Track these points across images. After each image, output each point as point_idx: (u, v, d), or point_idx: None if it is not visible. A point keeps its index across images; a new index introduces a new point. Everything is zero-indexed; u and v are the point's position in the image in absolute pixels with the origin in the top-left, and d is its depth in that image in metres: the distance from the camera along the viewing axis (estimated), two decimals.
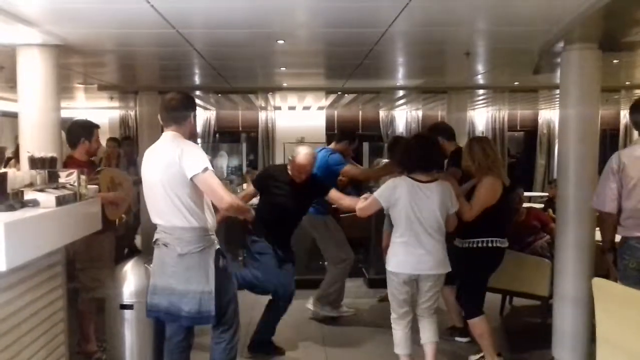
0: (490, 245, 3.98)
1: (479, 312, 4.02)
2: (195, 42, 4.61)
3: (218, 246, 3.15)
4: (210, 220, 3.15)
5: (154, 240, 3.18)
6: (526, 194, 9.26)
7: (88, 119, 4.44)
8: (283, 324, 4.49)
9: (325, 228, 5.13)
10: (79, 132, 4.23)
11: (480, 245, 3.96)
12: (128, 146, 8.01)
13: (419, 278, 3.65)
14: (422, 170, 3.65)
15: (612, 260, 3.54)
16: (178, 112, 3.13)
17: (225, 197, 3.03)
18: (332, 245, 5.13)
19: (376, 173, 5.74)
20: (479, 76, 6.85)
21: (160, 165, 3.05)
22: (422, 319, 3.79)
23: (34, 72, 4.13)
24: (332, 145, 5.28)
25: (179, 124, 3.13)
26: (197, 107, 10.86)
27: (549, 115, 12.14)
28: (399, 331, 3.74)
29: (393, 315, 3.78)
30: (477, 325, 4.01)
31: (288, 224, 4.35)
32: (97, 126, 4.38)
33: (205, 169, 2.96)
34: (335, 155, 5.08)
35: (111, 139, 7.89)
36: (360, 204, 3.89)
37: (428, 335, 3.77)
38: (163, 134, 3.18)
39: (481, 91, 8.52)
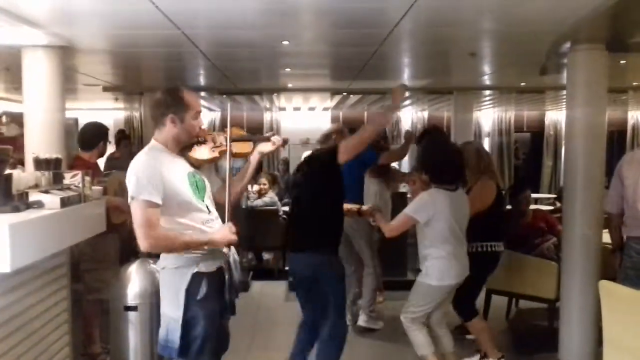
0: (488, 249, 3.97)
1: (476, 313, 4.04)
2: (200, 43, 4.60)
3: (199, 269, 2.58)
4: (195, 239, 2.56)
5: None
6: (533, 195, 9.21)
7: (101, 122, 4.47)
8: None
9: (365, 230, 4.97)
10: (96, 136, 4.28)
11: (478, 250, 3.94)
12: (125, 147, 7.14)
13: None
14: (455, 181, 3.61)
15: (618, 261, 3.54)
16: (154, 111, 2.64)
17: (142, 237, 2.44)
18: (369, 248, 5.06)
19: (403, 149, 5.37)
20: (486, 77, 6.83)
21: None
22: (440, 327, 3.73)
23: (38, 73, 4.14)
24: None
25: (157, 127, 2.63)
26: (202, 109, 10.94)
27: (556, 116, 12.09)
28: (420, 331, 3.61)
29: (412, 317, 3.62)
30: (476, 323, 4.01)
31: None
32: (108, 129, 4.47)
33: (132, 197, 2.45)
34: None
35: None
36: (389, 226, 3.66)
37: (450, 344, 3.74)
38: None
39: (488, 92, 8.49)
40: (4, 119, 4.85)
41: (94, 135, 4.27)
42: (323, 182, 3.50)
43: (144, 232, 2.43)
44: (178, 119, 2.58)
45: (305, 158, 3.78)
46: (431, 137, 4.79)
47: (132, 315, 3.38)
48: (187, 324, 2.56)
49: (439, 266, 3.52)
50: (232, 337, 4.03)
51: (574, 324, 4.11)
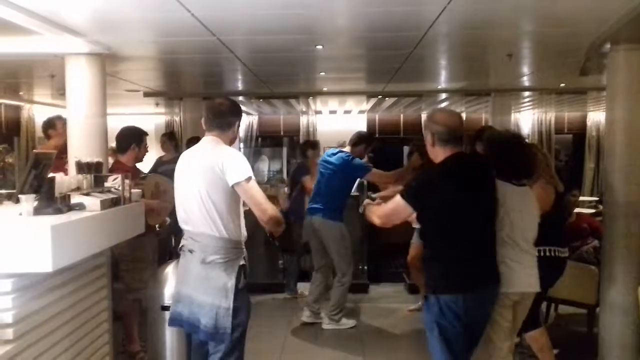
0: (551, 254, 3.73)
1: (539, 324, 3.81)
2: (236, 48, 4.68)
3: (244, 262, 3.01)
4: (241, 234, 3.02)
5: (180, 246, 3.10)
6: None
7: (137, 126, 4.58)
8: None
9: (340, 237, 5.06)
10: (129, 138, 4.37)
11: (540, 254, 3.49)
12: (173, 148, 6.78)
13: None
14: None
15: None
16: (224, 118, 3.04)
17: (268, 210, 2.91)
18: (343, 259, 5.08)
19: (406, 171, 5.22)
20: (524, 78, 6.71)
21: (200, 170, 2.95)
22: None
23: (81, 80, 4.27)
24: (348, 149, 5.16)
25: (222, 130, 3.04)
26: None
27: (598, 117, 11.76)
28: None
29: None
30: (538, 336, 3.80)
31: None
32: (146, 133, 4.54)
33: (249, 178, 2.88)
34: (358, 160, 5.03)
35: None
36: None
37: None
38: (203, 138, 3.09)
39: (526, 93, 8.33)
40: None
41: (127, 138, 4.37)
42: None
43: (267, 203, 2.93)
44: (238, 126, 3.12)
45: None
46: (491, 131, 4.35)
47: (168, 315, 3.45)
48: (233, 313, 2.89)
49: None
50: (267, 337, 4.08)
51: (614, 331, 4.01)
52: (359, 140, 5.19)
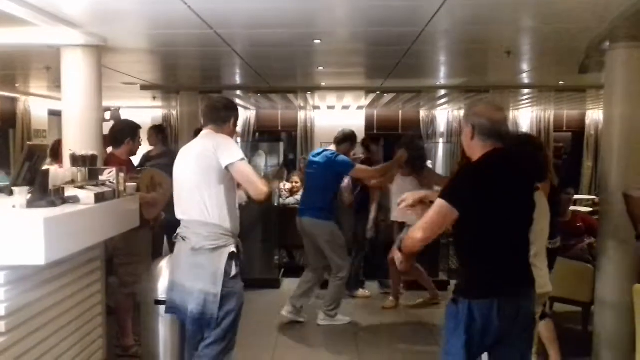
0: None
1: (543, 315, 3.80)
2: (233, 42, 4.65)
3: (235, 250, 3.05)
4: (233, 222, 3.08)
5: (174, 235, 3.18)
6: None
7: (132, 120, 4.56)
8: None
9: (332, 236, 5.07)
10: (125, 131, 4.37)
11: None
12: (161, 142, 6.09)
13: None
14: None
15: None
16: (218, 113, 3.17)
17: (262, 186, 3.00)
18: (338, 255, 5.07)
19: (391, 166, 5.21)
20: (523, 75, 6.70)
21: (193, 157, 3.07)
22: None
23: (77, 72, 4.23)
24: (334, 148, 5.19)
25: (217, 125, 3.16)
26: (238, 107, 11.06)
27: (597, 115, 11.76)
28: None
29: None
30: (544, 327, 3.88)
31: None
32: (139, 127, 4.53)
33: (242, 159, 2.98)
34: (343, 157, 5.04)
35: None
36: None
37: None
38: (201, 132, 3.23)
39: (525, 90, 8.32)
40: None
41: (122, 132, 4.37)
42: None
43: (260, 180, 3.03)
44: (234, 122, 3.22)
45: None
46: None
47: (162, 309, 3.42)
48: (222, 300, 2.94)
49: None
50: (261, 333, 4.06)
51: (608, 328, 4.01)
52: (344, 138, 5.24)
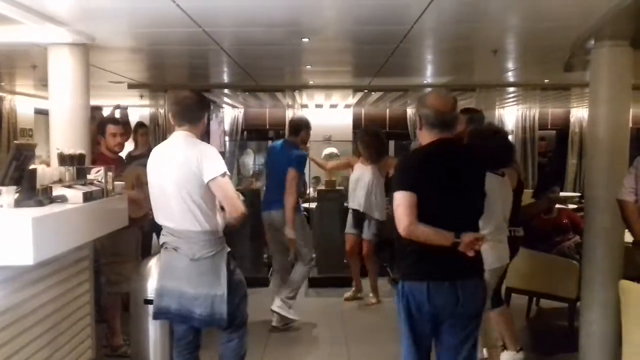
0: (511, 234, 3.80)
1: (502, 301, 4.06)
2: (222, 40, 4.64)
3: (229, 248, 3.11)
4: (220, 222, 3.07)
5: (161, 243, 3.11)
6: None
7: (114, 117, 4.55)
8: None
9: (300, 226, 5.08)
10: (100, 128, 4.38)
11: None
12: (143, 137, 6.00)
13: None
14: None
15: None
16: (193, 112, 3.05)
17: (240, 207, 3.00)
18: (305, 244, 5.12)
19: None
20: (509, 73, 6.75)
21: (175, 166, 2.96)
22: None
23: (64, 71, 4.19)
24: (291, 138, 5.22)
25: (192, 123, 3.05)
26: (226, 106, 11.01)
27: (581, 113, 11.88)
28: None
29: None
30: (504, 312, 4.07)
31: None
32: (114, 121, 4.49)
33: (224, 174, 2.94)
34: (295, 149, 5.09)
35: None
36: None
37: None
38: (174, 133, 3.08)
39: (511, 89, 8.39)
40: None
41: (99, 127, 4.38)
42: None
43: (238, 200, 3.02)
44: (208, 118, 3.15)
45: None
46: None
47: (151, 308, 3.43)
48: (229, 296, 3.00)
49: (498, 249, 3.44)
50: (251, 331, 4.04)
51: (594, 324, 4.05)
52: (298, 126, 5.27)
